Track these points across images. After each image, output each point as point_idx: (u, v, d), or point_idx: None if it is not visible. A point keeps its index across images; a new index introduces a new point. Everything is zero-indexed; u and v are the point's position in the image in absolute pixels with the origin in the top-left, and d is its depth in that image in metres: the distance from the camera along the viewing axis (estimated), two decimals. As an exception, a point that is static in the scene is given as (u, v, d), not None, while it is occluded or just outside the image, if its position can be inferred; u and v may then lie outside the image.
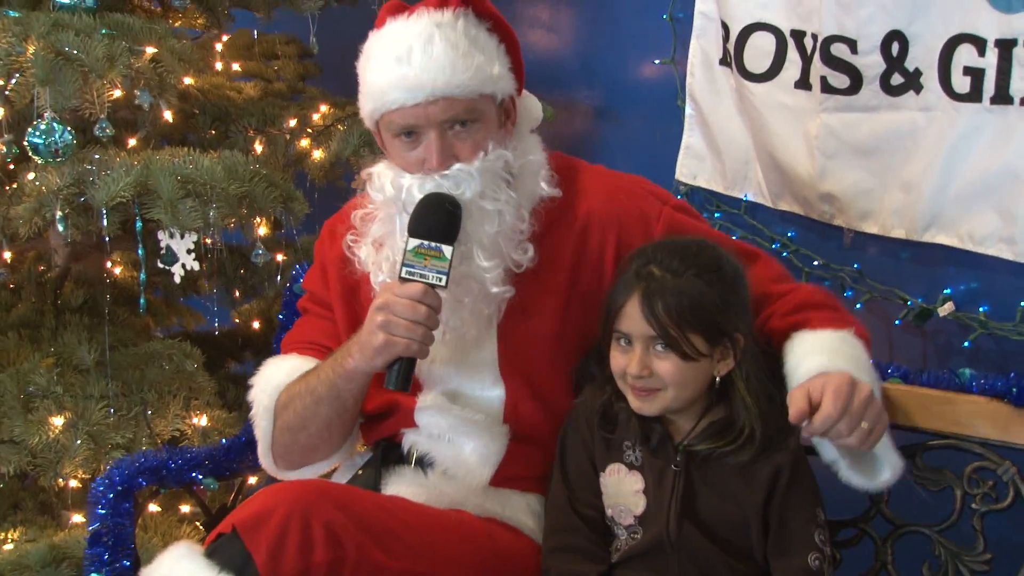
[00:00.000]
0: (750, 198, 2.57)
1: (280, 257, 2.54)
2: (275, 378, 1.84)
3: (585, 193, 1.83)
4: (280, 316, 2.19)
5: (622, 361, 1.67)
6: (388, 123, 1.72)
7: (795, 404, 1.58)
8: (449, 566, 1.64)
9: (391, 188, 1.73)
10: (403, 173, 1.73)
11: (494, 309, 1.77)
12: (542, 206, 1.79)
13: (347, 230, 1.85)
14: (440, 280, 1.63)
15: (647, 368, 1.64)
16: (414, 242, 1.63)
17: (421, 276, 1.63)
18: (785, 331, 1.75)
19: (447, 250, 1.64)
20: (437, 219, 1.65)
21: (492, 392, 1.81)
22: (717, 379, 1.68)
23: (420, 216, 1.66)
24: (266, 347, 2.30)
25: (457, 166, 1.70)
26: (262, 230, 2.45)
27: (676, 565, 1.66)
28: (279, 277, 2.54)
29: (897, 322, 2.30)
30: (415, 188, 1.70)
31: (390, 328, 1.63)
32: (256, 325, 2.76)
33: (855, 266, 2.40)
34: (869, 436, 1.58)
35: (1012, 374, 1.80)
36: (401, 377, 1.66)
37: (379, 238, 1.78)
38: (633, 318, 1.65)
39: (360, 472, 1.84)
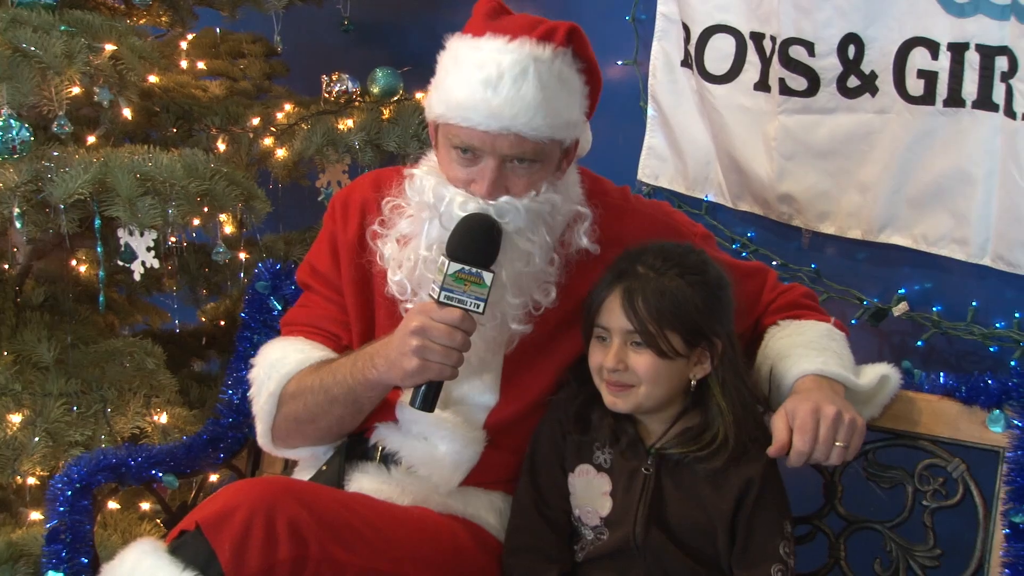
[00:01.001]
0: (711, 199, 2.58)
1: (243, 255, 2.53)
2: (283, 365, 1.81)
3: (620, 239, 1.79)
4: (243, 315, 2.18)
5: (599, 356, 1.68)
6: (451, 134, 1.68)
7: (777, 438, 1.64)
8: (410, 563, 1.65)
9: (431, 196, 1.71)
10: (446, 184, 1.71)
11: (507, 339, 1.77)
12: (573, 257, 1.77)
13: (360, 211, 1.84)
14: (478, 307, 1.61)
15: (623, 362, 1.65)
16: (455, 267, 1.60)
17: (459, 302, 1.60)
18: (774, 324, 1.87)
19: (487, 277, 1.61)
20: (479, 243, 1.63)
21: (482, 398, 1.81)
22: (692, 382, 1.69)
23: (462, 239, 1.63)
24: (230, 346, 2.28)
25: (505, 198, 1.68)
26: (228, 229, 2.43)
27: (642, 568, 1.67)
28: (243, 275, 2.52)
29: (853, 321, 2.32)
30: (456, 204, 1.68)
31: (425, 354, 1.61)
32: (222, 324, 2.74)
33: (813, 266, 2.42)
34: (847, 450, 1.65)
35: (966, 374, 1.84)
36: (429, 399, 1.65)
37: (406, 235, 1.76)
38: (613, 312, 1.66)
39: (324, 468, 1.84)
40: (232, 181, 2.19)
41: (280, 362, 1.82)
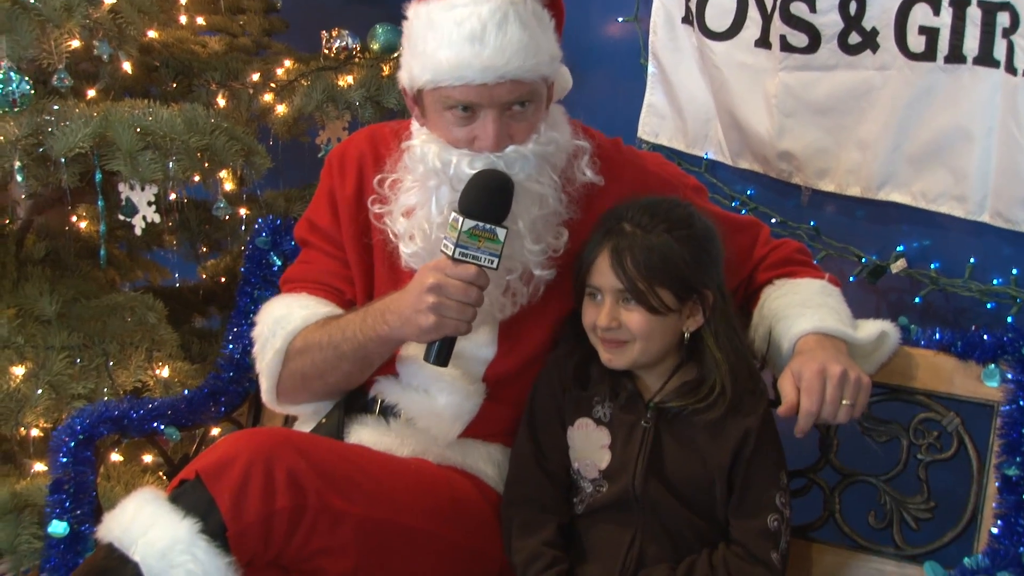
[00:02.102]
0: (711, 156, 2.57)
1: (243, 212, 2.52)
2: (288, 321, 1.80)
3: (618, 179, 1.82)
4: (243, 270, 2.18)
5: (592, 314, 1.69)
6: (444, 97, 1.66)
7: (786, 399, 1.64)
8: (408, 513, 1.66)
9: (437, 162, 1.69)
10: (449, 147, 1.70)
11: (530, 290, 1.77)
12: (578, 191, 1.78)
13: (358, 167, 1.85)
14: (492, 263, 1.61)
15: (616, 320, 1.66)
16: (469, 223, 1.59)
17: (474, 258, 1.60)
18: (768, 282, 1.86)
19: (501, 232, 1.61)
20: (493, 200, 1.62)
21: (480, 351, 1.81)
22: (686, 335, 1.70)
23: (475, 196, 1.62)
24: (231, 301, 2.29)
25: (511, 148, 1.68)
26: (228, 185, 2.42)
27: (640, 519, 1.68)
28: (243, 231, 2.52)
29: (852, 279, 2.31)
30: (464, 164, 1.67)
31: (442, 310, 1.61)
32: (222, 280, 2.73)
33: (812, 223, 2.41)
34: (854, 408, 1.65)
35: (962, 330, 1.84)
36: (443, 354, 1.66)
37: (412, 206, 1.75)
38: (603, 272, 1.67)
39: (324, 420, 1.84)
40: (232, 137, 2.18)
41: (285, 319, 1.81)
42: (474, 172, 1.65)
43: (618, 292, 1.66)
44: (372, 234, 1.84)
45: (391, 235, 1.79)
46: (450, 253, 1.61)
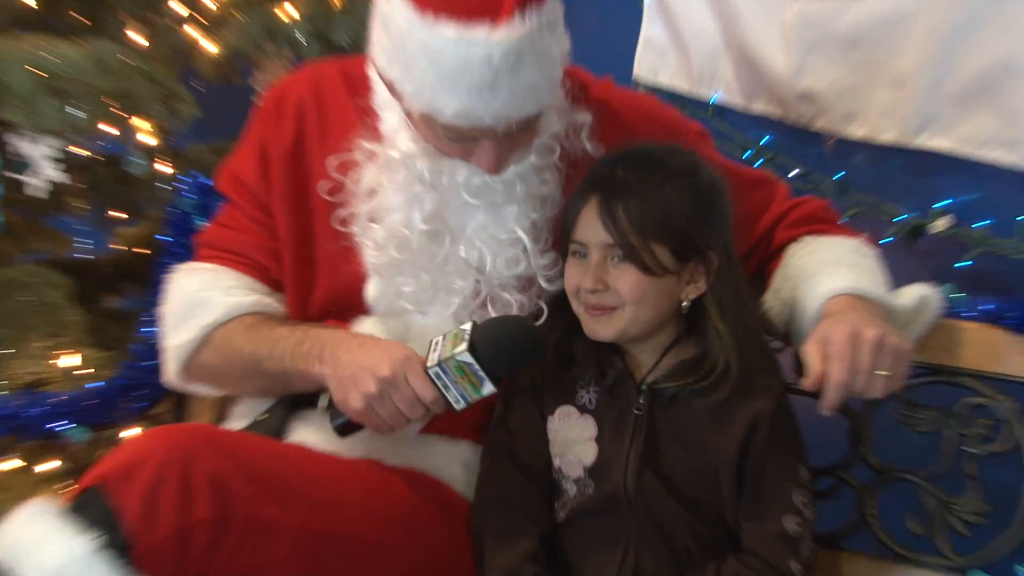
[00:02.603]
0: (719, 99, 2.59)
1: (164, 168, 2.49)
2: (207, 309, 1.81)
3: (616, 125, 1.83)
4: (165, 239, 2.16)
5: (576, 275, 1.68)
6: (440, 125, 1.66)
7: (812, 368, 1.61)
8: (357, 523, 1.63)
9: (426, 173, 1.73)
10: (440, 157, 1.73)
11: (531, 304, 1.80)
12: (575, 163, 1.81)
13: (298, 114, 1.85)
14: (457, 403, 1.64)
15: (602, 281, 1.65)
16: (468, 358, 1.60)
17: (444, 388, 1.63)
18: (793, 240, 1.87)
19: (487, 389, 1.63)
20: (509, 361, 1.64)
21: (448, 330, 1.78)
22: (685, 304, 1.68)
23: (498, 344, 1.63)
24: (150, 277, 2.25)
25: (512, 170, 1.73)
26: (144, 137, 2.39)
27: (633, 527, 1.67)
28: (165, 191, 2.48)
29: (885, 241, 2.31)
30: (460, 179, 1.72)
31: (376, 405, 1.63)
32: (140, 251, 2.69)
33: (838, 176, 2.42)
34: (893, 379, 1.62)
35: (1013, 298, 1.87)
36: (349, 431, 1.70)
37: (386, 211, 1.77)
38: (590, 224, 1.66)
39: (264, 416, 1.82)
40: (151, 79, 2.20)
41: (204, 304, 1.82)
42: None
43: (607, 248, 1.64)
44: (311, 197, 1.83)
45: (363, 242, 1.79)
46: (427, 363, 1.63)
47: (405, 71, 1.64)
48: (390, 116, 1.78)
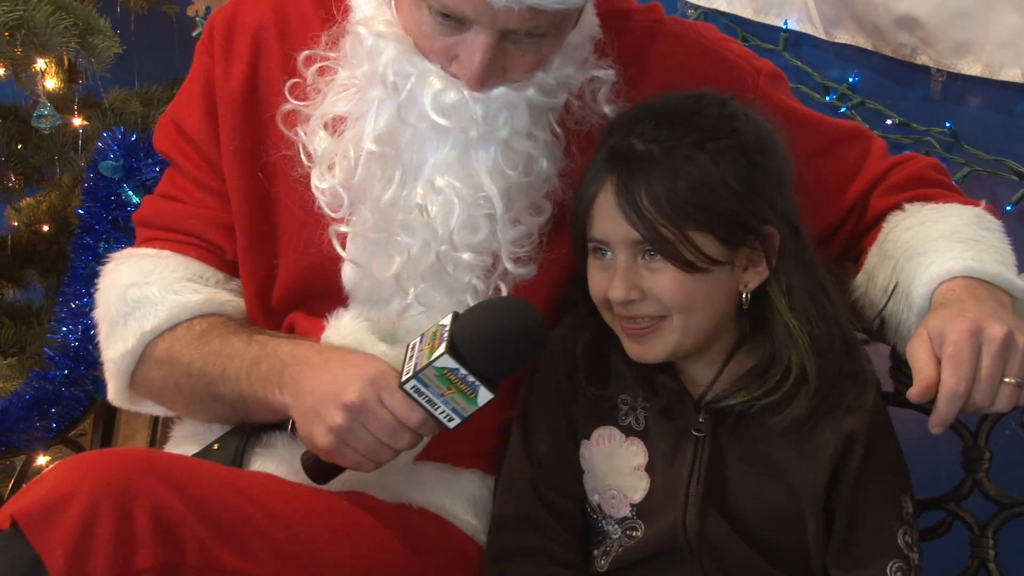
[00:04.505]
0: (793, 26, 2.63)
1: (78, 121, 2.51)
2: (149, 311, 1.82)
3: (645, 77, 1.82)
4: (80, 212, 2.19)
5: (601, 281, 1.68)
6: None
7: (920, 374, 1.60)
8: (338, 572, 1.65)
9: (389, 70, 1.71)
10: (414, 54, 1.71)
11: (491, 292, 1.78)
12: (584, 129, 1.79)
13: (253, 44, 1.86)
14: (450, 422, 1.62)
15: (636, 288, 1.64)
16: (450, 362, 1.59)
17: (429, 404, 1.62)
18: (893, 208, 1.88)
19: (484, 397, 1.61)
20: (505, 354, 1.62)
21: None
22: (745, 296, 1.68)
23: (482, 336, 1.62)
24: (60, 261, 2.34)
25: (501, 89, 1.70)
26: (50, 82, 2.43)
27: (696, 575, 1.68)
28: (79, 152, 2.52)
29: (1009, 207, 2.35)
30: (428, 92, 1.69)
31: (347, 439, 1.63)
32: (45, 229, 2.73)
33: (948, 125, 2.45)
34: (1022, 390, 1.62)
35: None
36: (322, 476, 1.71)
37: (341, 116, 1.77)
38: (608, 215, 1.65)
39: (216, 446, 1.85)
40: (60, 7, 2.20)
41: (142, 304, 1.84)
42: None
43: (634, 245, 1.64)
44: (270, 149, 1.84)
45: (301, 153, 1.78)
46: (401, 378, 1.62)
47: None
48: (365, 5, 1.78)
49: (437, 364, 1.59)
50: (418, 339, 1.65)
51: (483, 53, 1.66)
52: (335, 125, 1.76)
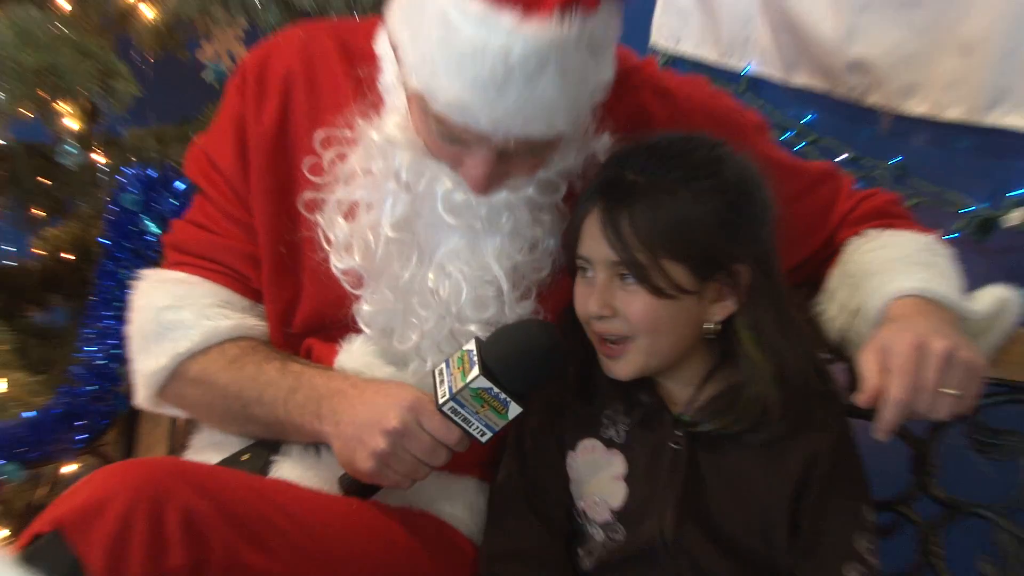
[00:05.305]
0: (754, 70, 2.63)
1: (99, 159, 2.51)
2: (183, 334, 1.85)
3: (656, 128, 1.83)
4: (104, 241, 2.19)
5: (582, 298, 1.72)
6: (434, 116, 1.67)
7: (867, 382, 1.63)
8: (349, 569, 1.69)
9: (404, 172, 1.75)
10: (426, 157, 1.74)
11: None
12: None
13: (283, 89, 1.87)
14: (483, 436, 1.69)
15: (608, 306, 1.68)
16: (484, 383, 1.65)
17: (465, 422, 1.67)
18: (854, 236, 1.91)
19: (513, 411, 1.67)
20: (530, 372, 1.67)
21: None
22: (712, 326, 1.72)
23: (511, 356, 1.67)
24: (81, 287, 2.30)
25: (503, 195, 1.74)
26: (72, 122, 2.41)
27: None
28: (99, 186, 2.51)
29: (951, 236, 2.32)
30: (439, 192, 1.74)
31: (391, 462, 1.68)
32: (68, 257, 2.70)
33: (895, 161, 2.45)
34: (962, 400, 1.64)
35: None
36: (360, 493, 1.77)
37: (355, 204, 1.80)
38: (593, 237, 1.69)
39: (245, 457, 1.88)
40: (84, 52, 2.19)
41: (176, 326, 1.86)
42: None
43: (612, 266, 1.67)
44: (295, 190, 1.86)
45: (322, 239, 1.83)
46: (439, 402, 1.67)
47: (414, 37, 1.65)
48: (394, 99, 1.79)
49: (473, 385, 1.65)
50: (444, 364, 1.69)
51: (485, 167, 1.69)
52: (349, 212, 1.80)
